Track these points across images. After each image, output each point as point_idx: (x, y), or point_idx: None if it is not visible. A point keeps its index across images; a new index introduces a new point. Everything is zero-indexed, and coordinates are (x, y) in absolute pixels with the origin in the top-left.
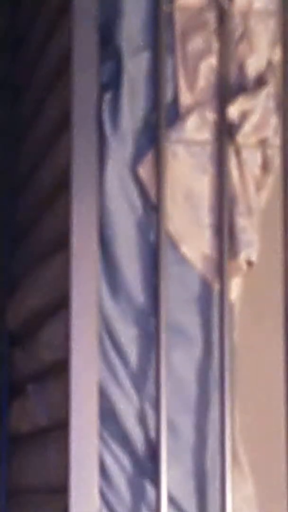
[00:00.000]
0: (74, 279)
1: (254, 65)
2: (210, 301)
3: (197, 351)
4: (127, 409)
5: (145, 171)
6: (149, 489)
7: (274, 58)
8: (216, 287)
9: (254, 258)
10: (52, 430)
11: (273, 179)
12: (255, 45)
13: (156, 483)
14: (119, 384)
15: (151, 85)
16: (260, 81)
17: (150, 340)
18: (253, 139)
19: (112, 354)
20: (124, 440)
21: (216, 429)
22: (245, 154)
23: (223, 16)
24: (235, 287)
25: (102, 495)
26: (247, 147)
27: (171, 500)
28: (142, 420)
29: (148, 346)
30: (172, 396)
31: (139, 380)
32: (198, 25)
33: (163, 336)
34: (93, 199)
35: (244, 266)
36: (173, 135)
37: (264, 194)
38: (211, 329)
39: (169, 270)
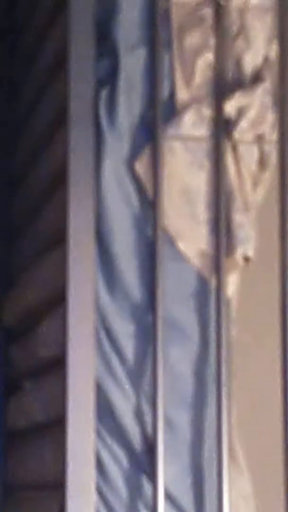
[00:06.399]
0: (71, 275)
1: (250, 61)
2: (207, 297)
3: (194, 347)
4: (124, 405)
5: (141, 167)
6: (146, 485)
7: (271, 54)
8: (213, 283)
9: (250, 254)
10: (49, 426)
11: (270, 175)
12: (252, 41)
13: (153, 479)
14: (116, 380)
15: (148, 81)
16: (257, 77)
17: (147, 336)
18: (249, 135)
19: (109, 350)
20: (121, 436)
21: (213, 425)
22: (241, 150)
23: (219, 12)
24: (232, 283)
25: (99, 491)
26: (243, 143)
27: (168, 496)
28: (139, 416)
29: (145, 342)
30: (169, 392)
31: (136, 376)
32: (195, 21)
33: (160, 332)
34: (90, 195)
35: (241, 262)
36: (170, 131)
37: (261, 190)
38: (208, 325)
39: (166, 266)
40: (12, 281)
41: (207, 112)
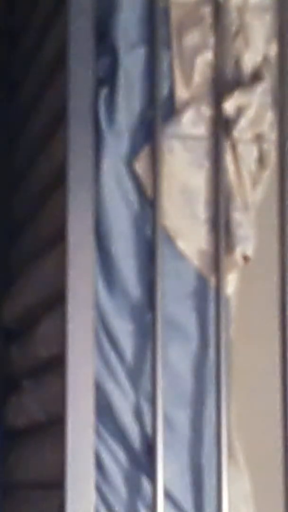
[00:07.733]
0: (70, 274)
1: (250, 60)
2: (206, 296)
3: (193, 346)
4: (123, 404)
5: (141, 166)
6: (146, 484)
7: (270, 53)
8: (212, 282)
9: (250, 253)
10: (48, 426)
11: (269, 174)
12: (251, 40)
13: (153, 478)
14: (115, 379)
15: (147, 80)
16: (256, 76)
17: (146, 335)
18: (249, 134)
19: (108, 349)
20: (120, 435)
21: (212, 424)
22: (241, 149)
23: (219, 11)
24: (231, 282)
25: (99, 491)
26: (243, 142)
27: (168, 495)
28: (138, 415)
29: (144, 341)
30: (168, 391)
31: (135, 375)
32: (194, 20)
33: (159, 331)
34: (89, 194)
35: (240, 261)
36: (169, 130)
37: (260, 189)
38: (207, 324)
39: (165, 265)
40: (12, 280)
41: (206, 111)
